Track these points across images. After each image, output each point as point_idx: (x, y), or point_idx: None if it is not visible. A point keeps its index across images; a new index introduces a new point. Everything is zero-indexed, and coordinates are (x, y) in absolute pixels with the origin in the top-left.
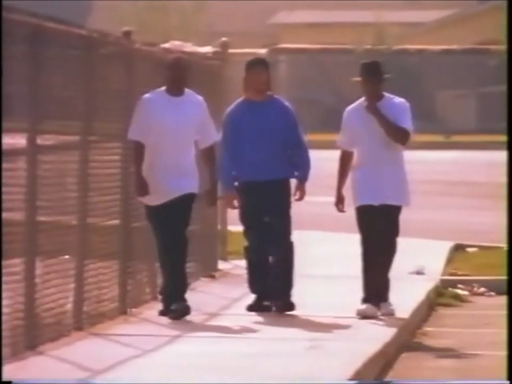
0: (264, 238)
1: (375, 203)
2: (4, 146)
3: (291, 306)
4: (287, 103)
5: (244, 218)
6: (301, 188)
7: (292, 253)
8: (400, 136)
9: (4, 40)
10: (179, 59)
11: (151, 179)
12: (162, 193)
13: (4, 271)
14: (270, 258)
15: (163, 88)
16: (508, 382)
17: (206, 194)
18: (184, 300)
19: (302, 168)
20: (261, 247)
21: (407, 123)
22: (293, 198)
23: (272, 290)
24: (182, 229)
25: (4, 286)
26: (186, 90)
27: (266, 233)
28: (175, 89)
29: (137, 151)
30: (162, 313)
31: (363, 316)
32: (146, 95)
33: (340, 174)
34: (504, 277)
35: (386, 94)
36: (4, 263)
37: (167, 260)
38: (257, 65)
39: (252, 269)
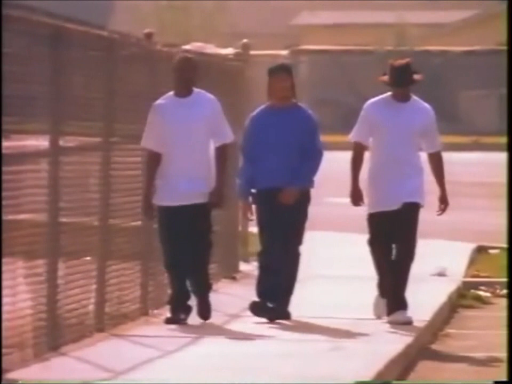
0: (276, 242)
1: (394, 207)
2: (27, 148)
3: (287, 316)
4: (310, 112)
5: (260, 223)
6: (289, 190)
7: (297, 264)
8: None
9: (26, 41)
10: (182, 60)
11: (163, 180)
12: (172, 195)
13: (27, 272)
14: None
15: (172, 92)
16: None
17: (210, 195)
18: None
19: (305, 174)
20: (272, 251)
21: (438, 136)
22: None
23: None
24: (192, 240)
25: (27, 287)
26: (195, 90)
27: (278, 239)
28: (182, 91)
29: (149, 161)
30: (168, 320)
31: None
32: (157, 102)
33: (354, 169)
34: None
35: (413, 97)
36: (27, 264)
37: (172, 273)
38: (278, 71)
39: (261, 272)
